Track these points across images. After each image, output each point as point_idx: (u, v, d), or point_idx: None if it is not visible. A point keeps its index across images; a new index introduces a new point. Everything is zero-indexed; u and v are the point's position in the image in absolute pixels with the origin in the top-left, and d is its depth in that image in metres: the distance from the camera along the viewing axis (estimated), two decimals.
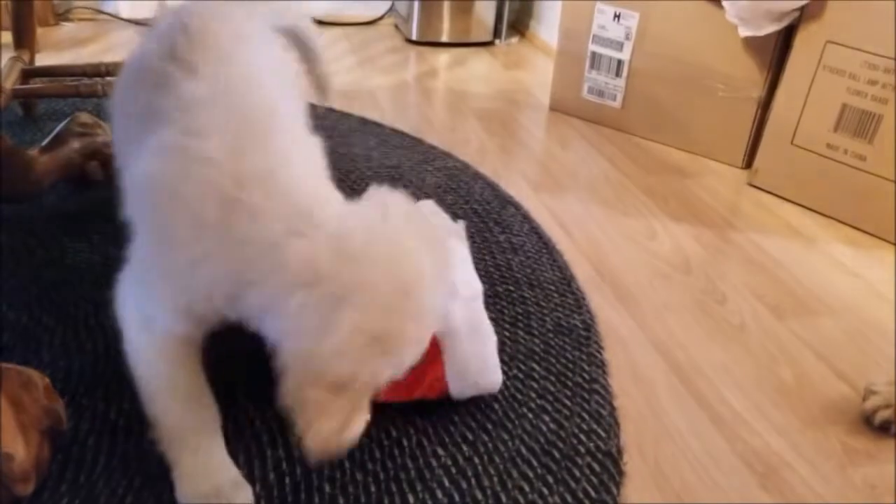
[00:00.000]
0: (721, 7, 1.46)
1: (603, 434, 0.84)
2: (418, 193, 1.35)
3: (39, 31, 1.64)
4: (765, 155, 1.48)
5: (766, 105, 1.51)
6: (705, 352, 1.01)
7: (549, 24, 2.36)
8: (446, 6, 2.39)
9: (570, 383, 0.91)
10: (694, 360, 0.99)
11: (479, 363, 0.84)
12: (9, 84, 1.30)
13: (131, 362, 0.70)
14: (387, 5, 2.63)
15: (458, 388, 0.84)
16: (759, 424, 0.89)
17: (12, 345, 0.89)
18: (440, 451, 0.80)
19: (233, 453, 0.76)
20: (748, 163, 1.57)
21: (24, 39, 1.51)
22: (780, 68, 1.46)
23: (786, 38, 1.44)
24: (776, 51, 1.47)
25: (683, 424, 0.88)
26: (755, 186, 1.50)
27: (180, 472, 0.69)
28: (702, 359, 0.99)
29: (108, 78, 1.46)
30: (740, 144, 1.58)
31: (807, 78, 1.37)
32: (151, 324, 0.68)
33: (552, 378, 0.92)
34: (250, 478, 0.74)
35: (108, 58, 1.55)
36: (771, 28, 1.42)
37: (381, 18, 2.63)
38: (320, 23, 2.53)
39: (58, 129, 1.18)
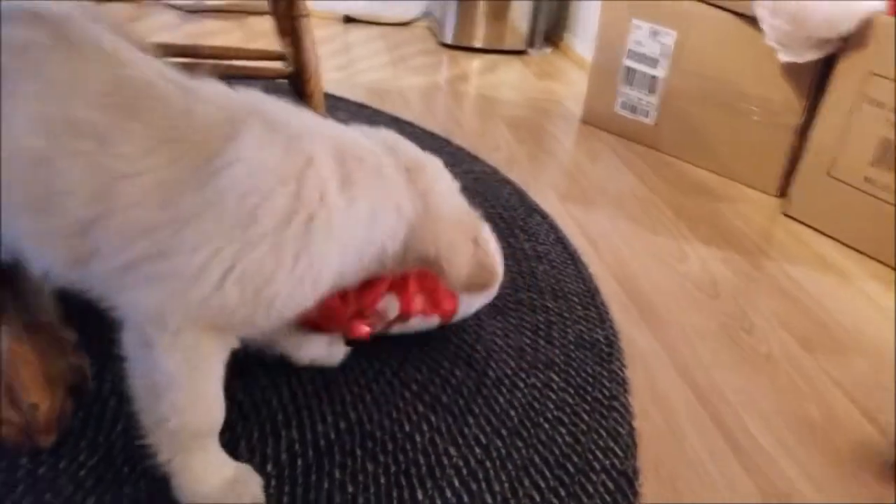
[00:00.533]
0: (761, 30, 1.44)
1: (620, 453, 0.82)
2: None
3: None
4: (800, 184, 1.46)
5: (802, 133, 1.49)
6: (729, 379, 0.98)
7: (583, 37, 2.35)
8: (481, 12, 2.39)
9: (589, 398, 0.89)
10: (717, 386, 0.97)
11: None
12: None
13: (174, 366, 0.62)
14: (422, 7, 2.63)
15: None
16: (782, 459, 0.86)
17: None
18: (452, 451, 0.78)
19: (247, 431, 0.75)
20: (782, 191, 1.55)
21: None
22: (818, 96, 1.44)
23: (826, 66, 1.42)
24: (816, 78, 1.45)
25: (703, 451, 0.86)
26: (789, 216, 1.47)
27: (191, 475, 0.66)
28: (726, 386, 0.97)
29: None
30: (774, 172, 1.56)
31: (847, 108, 1.35)
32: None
33: (571, 391, 0.90)
34: (263, 456, 0.73)
35: (148, 40, 1.53)
36: (812, 55, 1.40)
37: (416, 20, 2.63)
38: (355, 21, 2.54)
39: None
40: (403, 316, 0.89)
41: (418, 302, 0.89)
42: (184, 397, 0.62)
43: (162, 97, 0.60)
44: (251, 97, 0.66)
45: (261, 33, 2.23)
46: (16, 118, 0.56)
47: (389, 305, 0.87)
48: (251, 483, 0.68)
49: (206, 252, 0.58)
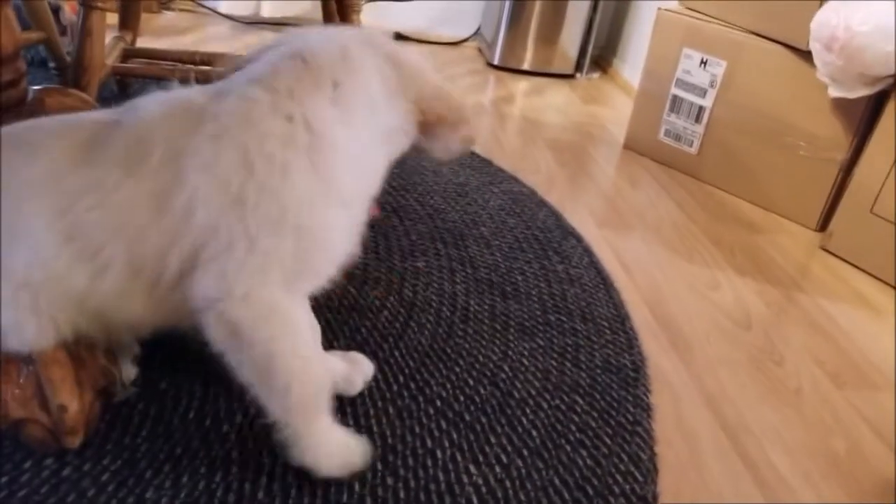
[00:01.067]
0: (812, 64, 1.44)
1: (640, 478, 0.82)
2: (481, 213, 1.36)
3: (143, 16, 1.71)
4: (841, 220, 1.44)
5: (848, 169, 1.47)
6: (756, 411, 0.98)
7: (632, 63, 2.36)
8: (532, 35, 2.41)
9: (612, 422, 0.90)
10: (744, 418, 0.96)
11: None
12: (110, 61, 1.36)
13: (266, 333, 0.65)
14: (473, 28, 2.67)
15: None
16: (806, 494, 0.85)
17: None
18: (472, 469, 0.79)
19: (269, 443, 0.78)
20: (823, 226, 1.53)
21: (128, 22, 1.59)
22: (867, 133, 1.42)
23: (877, 103, 1.40)
24: (865, 115, 1.43)
25: (725, 482, 0.85)
26: (827, 251, 1.45)
27: (317, 440, 0.70)
28: (752, 418, 0.96)
29: (201, 66, 1.52)
30: (816, 206, 1.54)
31: (894, 147, 1.33)
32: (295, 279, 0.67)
33: (594, 414, 0.90)
34: (284, 467, 0.75)
35: (203, 48, 1.61)
36: (863, 92, 1.38)
37: (465, 41, 2.67)
38: (407, 38, 2.59)
39: None
40: None
41: None
42: (288, 362, 0.66)
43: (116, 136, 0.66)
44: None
45: None
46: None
47: None
48: (361, 446, 0.75)
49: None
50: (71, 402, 0.66)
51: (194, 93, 0.70)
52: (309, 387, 0.68)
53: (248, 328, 0.64)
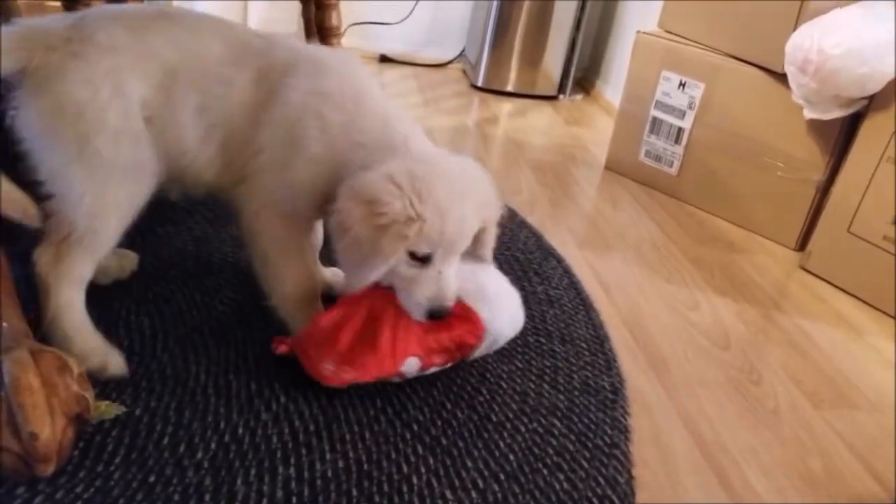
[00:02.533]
0: (788, 86, 1.46)
1: (617, 501, 0.82)
2: None
3: None
4: (819, 239, 1.46)
5: (825, 189, 1.49)
6: (734, 431, 0.98)
7: (615, 85, 2.38)
8: (515, 57, 2.44)
9: (590, 444, 0.90)
10: (721, 438, 0.97)
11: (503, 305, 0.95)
12: None
13: (267, 242, 0.91)
14: (457, 50, 2.69)
15: (493, 328, 0.92)
16: None
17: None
18: (448, 494, 0.79)
19: (245, 467, 0.77)
20: (801, 245, 1.55)
21: None
22: (843, 154, 1.45)
23: (851, 124, 1.43)
24: (840, 136, 1.45)
25: (701, 501, 0.86)
26: (806, 270, 1.47)
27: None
28: (729, 438, 0.97)
29: None
30: (795, 226, 1.55)
31: (869, 167, 1.35)
32: (290, 210, 0.89)
33: (572, 437, 0.90)
34: (259, 493, 0.75)
35: None
36: (837, 113, 1.40)
37: (450, 63, 2.70)
38: (392, 61, 2.61)
39: None
40: (424, 368, 0.91)
41: (437, 359, 0.91)
42: (277, 272, 0.92)
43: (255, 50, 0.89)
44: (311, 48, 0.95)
45: None
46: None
47: (410, 367, 0.89)
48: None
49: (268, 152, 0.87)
50: (42, 429, 0.65)
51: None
52: (290, 294, 0.92)
53: (256, 237, 0.91)
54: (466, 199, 0.85)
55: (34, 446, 0.65)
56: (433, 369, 0.91)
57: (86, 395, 0.72)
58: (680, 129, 1.72)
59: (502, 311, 0.94)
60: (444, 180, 0.83)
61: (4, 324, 0.73)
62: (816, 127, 1.47)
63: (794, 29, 1.45)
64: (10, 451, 0.66)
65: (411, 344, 0.87)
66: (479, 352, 0.94)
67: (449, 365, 0.93)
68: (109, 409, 0.81)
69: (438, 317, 0.86)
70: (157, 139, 0.85)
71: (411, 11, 2.61)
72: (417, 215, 0.80)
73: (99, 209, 0.82)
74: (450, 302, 0.86)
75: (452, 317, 0.88)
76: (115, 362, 0.86)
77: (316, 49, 0.95)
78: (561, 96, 2.52)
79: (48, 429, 0.66)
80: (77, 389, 0.71)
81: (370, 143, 0.85)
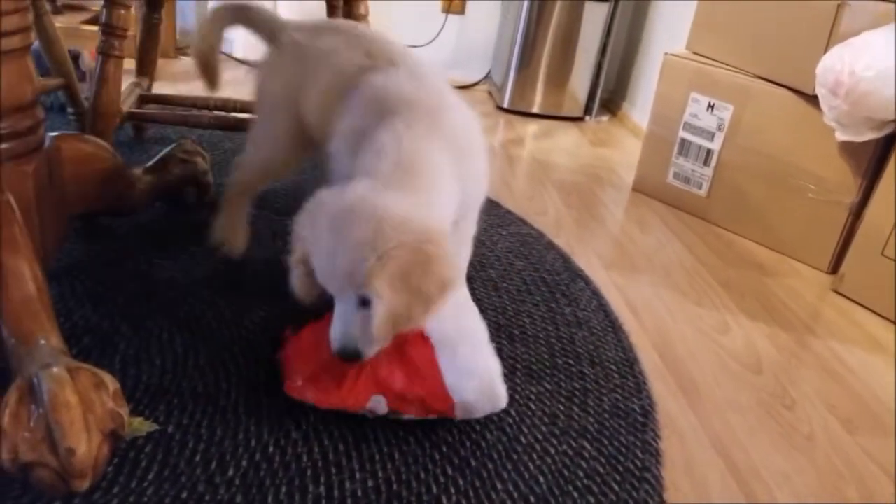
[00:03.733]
0: (819, 108, 1.45)
1: None
2: (489, 255, 1.37)
3: (160, 61, 1.76)
4: (852, 263, 1.43)
5: (858, 212, 1.47)
6: (767, 457, 0.96)
7: (641, 107, 2.38)
8: (541, 79, 2.45)
9: (620, 468, 0.89)
10: (754, 463, 0.95)
11: (473, 370, 0.87)
12: (126, 106, 1.40)
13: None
14: (483, 72, 2.71)
15: (460, 397, 0.86)
16: None
17: (90, 347, 0.93)
18: None
19: (276, 486, 0.77)
20: (834, 268, 1.52)
21: (145, 68, 1.63)
22: (875, 176, 1.43)
23: (884, 146, 1.41)
24: (873, 158, 1.44)
25: None
26: (839, 293, 1.44)
27: None
28: (762, 464, 0.95)
29: (216, 111, 1.55)
30: (827, 249, 1.53)
31: None
32: None
33: (602, 460, 0.89)
34: None
35: (220, 93, 1.64)
36: (870, 135, 1.39)
37: (476, 84, 2.72)
38: None
39: (163, 152, 1.26)
40: (394, 413, 0.87)
41: (411, 409, 0.87)
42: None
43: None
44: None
45: None
46: None
47: (378, 405, 0.86)
48: None
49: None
50: (79, 444, 0.66)
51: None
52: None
53: None
54: (341, 235, 0.75)
55: (71, 462, 0.66)
56: (410, 417, 0.88)
57: (121, 411, 0.72)
58: (709, 151, 1.71)
59: (471, 377, 0.86)
60: (328, 211, 0.77)
61: (42, 341, 0.75)
62: (848, 149, 1.46)
63: (825, 51, 1.44)
64: (47, 466, 0.67)
65: (378, 383, 0.85)
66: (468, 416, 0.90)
67: (433, 417, 0.89)
68: (142, 426, 0.82)
69: (345, 359, 0.81)
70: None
71: (438, 34, 2.64)
72: (302, 237, 0.79)
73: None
74: (337, 345, 0.80)
75: (414, 371, 0.85)
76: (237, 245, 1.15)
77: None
78: (587, 118, 2.52)
79: (85, 445, 0.67)
80: (112, 406, 0.71)
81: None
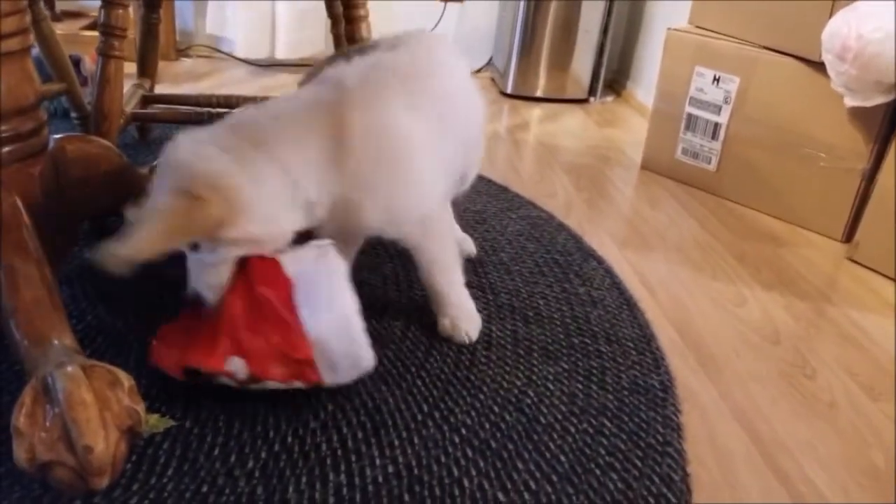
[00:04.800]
0: (826, 75, 1.43)
1: (673, 499, 0.80)
2: (500, 239, 1.36)
3: (161, 64, 1.75)
4: (867, 230, 1.42)
5: (870, 178, 1.45)
6: (790, 427, 0.95)
7: (646, 85, 2.36)
8: (543, 63, 2.43)
9: (642, 444, 0.88)
10: (777, 434, 0.94)
11: (329, 305, 0.84)
12: (129, 108, 1.39)
13: None
14: (485, 59, 2.69)
15: (316, 333, 0.82)
16: None
17: (105, 346, 0.93)
18: (501, 497, 0.78)
19: (296, 475, 0.77)
20: (848, 236, 1.50)
21: (146, 69, 1.62)
22: (887, 141, 1.41)
23: (895, 110, 1.39)
24: (884, 122, 1.41)
25: (760, 498, 0.83)
26: (854, 261, 1.43)
27: None
28: (786, 434, 0.94)
29: (219, 109, 1.55)
30: (841, 217, 1.51)
31: None
32: None
33: (623, 436, 0.89)
34: (311, 500, 0.74)
35: (221, 92, 1.64)
36: (880, 99, 1.37)
37: (478, 71, 2.70)
38: None
39: None
40: (256, 379, 0.84)
41: (275, 371, 0.83)
42: None
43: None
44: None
45: None
46: None
47: (237, 368, 0.83)
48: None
49: None
50: (96, 442, 0.66)
51: None
52: None
53: None
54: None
55: (89, 460, 0.66)
56: (274, 383, 0.84)
57: (137, 408, 0.72)
58: (716, 125, 1.69)
59: (326, 311, 0.83)
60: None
61: (55, 341, 0.74)
62: (858, 114, 1.44)
63: (830, 16, 1.42)
64: (65, 464, 0.67)
65: (237, 344, 0.82)
66: (333, 377, 0.85)
67: (300, 385, 0.85)
68: (159, 423, 0.82)
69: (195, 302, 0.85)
70: None
71: (437, 22, 2.62)
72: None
73: None
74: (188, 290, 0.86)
75: (273, 315, 0.83)
76: None
77: None
78: (591, 99, 2.50)
79: (102, 442, 0.67)
80: (129, 403, 0.71)
81: None
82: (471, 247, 1.28)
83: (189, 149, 0.81)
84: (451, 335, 1.03)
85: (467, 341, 1.03)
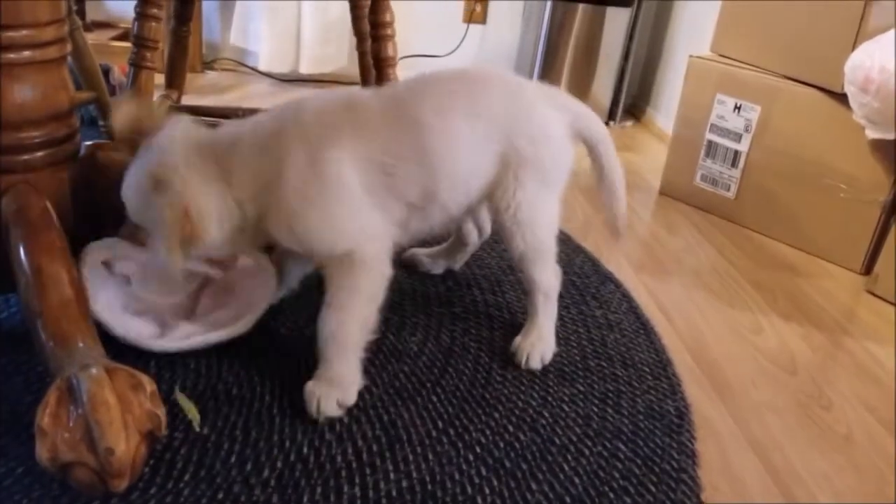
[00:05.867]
0: (848, 106, 1.43)
1: None
2: None
3: (187, 76, 1.78)
4: (886, 262, 1.41)
5: (890, 210, 1.45)
6: (806, 458, 0.95)
7: (666, 111, 2.37)
8: (563, 86, 2.45)
9: (656, 469, 0.88)
10: (792, 464, 0.93)
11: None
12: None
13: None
14: None
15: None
16: None
17: (126, 351, 0.94)
18: None
19: (311, 486, 0.78)
20: (867, 268, 1.50)
21: (174, 80, 1.65)
22: None
23: None
24: None
25: None
26: (874, 294, 1.42)
27: None
28: (801, 465, 0.93)
29: None
30: (860, 249, 1.51)
31: None
32: None
33: (638, 461, 0.88)
34: None
35: (245, 105, 1.66)
36: None
37: None
38: None
39: None
40: None
41: None
42: None
43: None
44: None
45: None
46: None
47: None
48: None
49: None
50: (118, 444, 0.67)
51: None
52: None
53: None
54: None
55: (110, 461, 0.67)
56: None
57: (158, 412, 0.73)
58: (737, 153, 1.69)
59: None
60: None
61: (80, 343, 0.76)
62: (880, 147, 1.44)
63: (853, 48, 1.42)
64: (86, 465, 0.68)
65: None
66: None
67: None
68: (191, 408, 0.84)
69: None
70: None
71: (459, 44, 2.65)
72: None
73: None
74: None
75: None
76: None
77: None
78: (611, 123, 2.51)
79: (123, 444, 0.68)
80: (150, 407, 0.72)
81: None
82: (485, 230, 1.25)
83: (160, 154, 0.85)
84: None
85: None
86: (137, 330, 0.94)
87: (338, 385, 0.88)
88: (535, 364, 1.03)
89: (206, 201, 0.83)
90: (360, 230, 0.89)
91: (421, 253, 1.27)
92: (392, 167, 0.90)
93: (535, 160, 1.00)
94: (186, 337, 0.95)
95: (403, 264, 1.25)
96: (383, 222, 0.91)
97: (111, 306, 0.93)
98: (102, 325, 0.89)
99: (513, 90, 1.02)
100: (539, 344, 1.04)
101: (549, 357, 1.05)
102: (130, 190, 0.86)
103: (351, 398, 0.89)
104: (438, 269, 1.27)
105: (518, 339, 1.06)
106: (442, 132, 0.93)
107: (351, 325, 0.88)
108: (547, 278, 1.06)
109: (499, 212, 1.00)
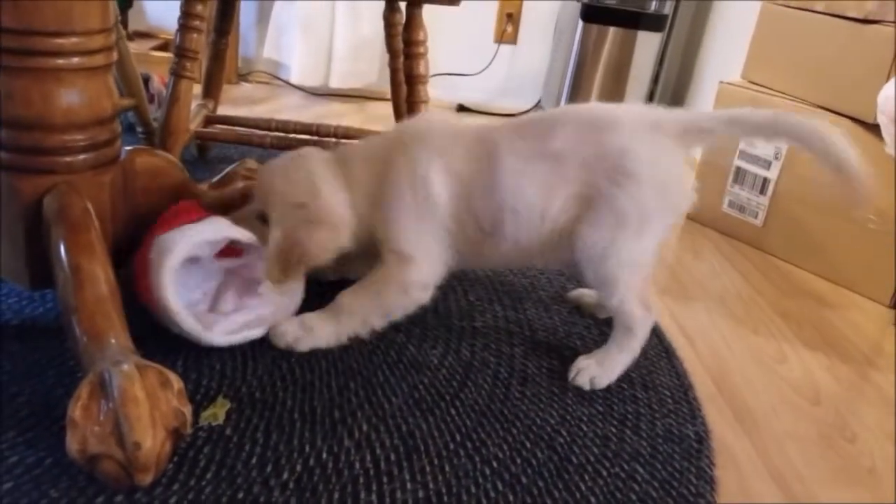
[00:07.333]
0: (880, 138, 1.42)
1: None
2: (540, 277, 1.37)
3: (223, 86, 1.82)
4: None
5: None
6: (828, 490, 0.94)
7: None
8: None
9: (674, 493, 0.87)
10: (814, 496, 0.92)
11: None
12: (193, 126, 1.45)
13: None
14: (534, 101, 2.73)
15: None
16: None
17: (154, 350, 0.96)
18: None
19: (329, 493, 0.79)
20: None
21: (211, 91, 1.69)
22: None
23: None
24: None
25: None
26: None
27: None
28: (823, 497, 0.92)
29: (276, 133, 1.60)
30: (889, 281, 1.49)
31: None
32: None
33: (655, 484, 0.88)
34: None
35: (277, 117, 1.70)
36: None
37: (527, 112, 2.74)
38: (469, 110, 2.67)
39: (227, 169, 1.30)
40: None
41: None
42: None
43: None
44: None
45: (378, 117, 2.39)
46: None
47: None
48: None
49: None
50: (145, 439, 0.68)
51: None
52: None
53: None
54: None
55: (136, 455, 0.69)
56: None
57: (184, 410, 0.75)
58: (765, 180, 1.69)
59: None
60: None
61: (112, 340, 0.78)
62: None
63: (887, 79, 1.42)
64: (113, 458, 0.69)
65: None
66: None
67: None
68: (220, 410, 0.87)
69: None
70: None
71: (490, 63, 2.68)
72: None
73: None
74: None
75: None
76: None
77: None
78: None
79: (150, 440, 0.69)
80: (176, 404, 0.74)
81: None
82: None
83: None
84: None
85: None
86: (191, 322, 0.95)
87: (307, 330, 1.02)
88: (583, 383, 1.04)
89: (342, 211, 1.01)
90: (417, 238, 1.02)
91: (588, 295, 1.27)
92: (468, 187, 1.01)
93: (610, 200, 0.99)
94: (233, 332, 1.00)
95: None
96: (444, 251, 1.03)
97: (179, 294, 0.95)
98: (166, 311, 0.93)
99: (602, 127, 1.01)
100: (595, 368, 1.05)
101: (601, 384, 1.05)
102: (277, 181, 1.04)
103: (306, 345, 1.02)
104: (603, 313, 1.24)
105: (583, 356, 1.08)
106: (512, 171, 1.00)
107: (360, 302, 1.02)
108: (627, 310, 1.03)
109: (574, 248, 1.02)
